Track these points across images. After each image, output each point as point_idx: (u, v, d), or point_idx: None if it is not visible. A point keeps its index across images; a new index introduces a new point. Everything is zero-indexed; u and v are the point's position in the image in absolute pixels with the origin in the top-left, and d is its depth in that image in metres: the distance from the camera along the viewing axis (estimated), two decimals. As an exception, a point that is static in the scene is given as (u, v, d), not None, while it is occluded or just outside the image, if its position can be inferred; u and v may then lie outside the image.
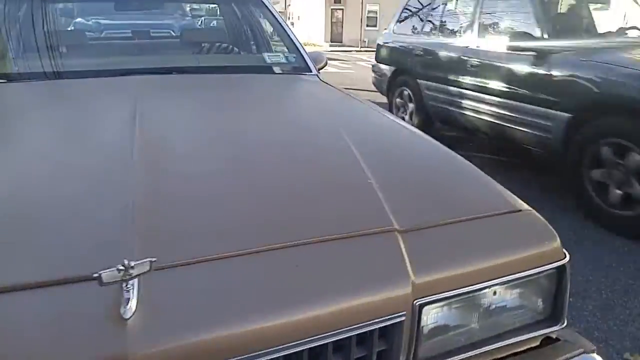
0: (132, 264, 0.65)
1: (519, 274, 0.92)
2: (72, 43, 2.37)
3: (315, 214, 0.94)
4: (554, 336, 1.03)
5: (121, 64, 2.07)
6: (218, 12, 3.18)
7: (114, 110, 1.48)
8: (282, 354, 0.71)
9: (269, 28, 2.54)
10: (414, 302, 0.82)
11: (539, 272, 0.95)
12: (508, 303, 0.96)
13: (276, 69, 2.20)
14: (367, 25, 26.66)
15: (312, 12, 29.26)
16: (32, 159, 1.11)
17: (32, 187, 0.95)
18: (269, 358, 0.70)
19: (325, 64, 2.53)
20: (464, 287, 0.87)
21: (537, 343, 1.01)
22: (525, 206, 1.06)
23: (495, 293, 0.93)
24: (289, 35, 2.35)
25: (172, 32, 3.69)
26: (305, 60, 2.28)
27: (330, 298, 0.75)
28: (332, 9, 28.38)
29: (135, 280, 0.67)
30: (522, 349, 0.99)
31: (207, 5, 3.36)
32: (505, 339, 0.95)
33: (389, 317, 0.79)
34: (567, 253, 1.00)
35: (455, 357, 0.90)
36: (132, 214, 0.82)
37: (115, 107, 1.52)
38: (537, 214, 1.04)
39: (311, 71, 2.24)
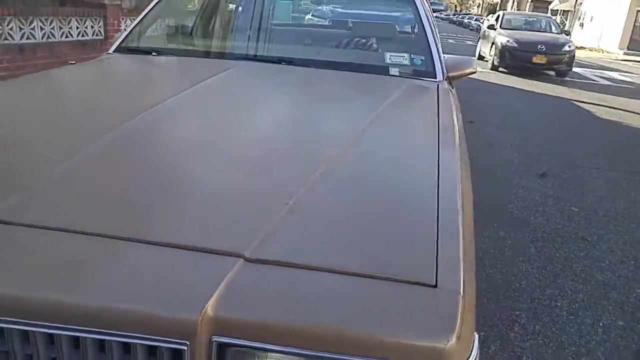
0: None
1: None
2: (260, 27, 2.69)
3: (186, 222, 0.96)
4: None
5: (252, 49, 2.35)
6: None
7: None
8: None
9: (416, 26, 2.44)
10: (212, 337, 0.77)
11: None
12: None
13: (393, 70, 2.14)
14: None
15: (610, 13, 25.48)
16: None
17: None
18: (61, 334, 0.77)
19: (472, 72, 2.32)
20: (297, 348, 0.77)
21: None
22: (448, 284, 0.83)
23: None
24: (426, 36, 2.23)
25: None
26: (433, 65, 2.14)
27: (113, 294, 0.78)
28: (637, 10, 24.14)
29: None
30: None
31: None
32: None
33: (167, 339, 0.77)
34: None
35: None
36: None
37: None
38: (455, 297, 0.81)
39: (435, 77, 2.10)
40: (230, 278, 0.81)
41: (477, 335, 0.83)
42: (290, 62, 2.14)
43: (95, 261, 0.85)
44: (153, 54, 2.30)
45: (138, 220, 0.96)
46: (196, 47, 2.64)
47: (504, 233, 2.91)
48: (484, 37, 13.30)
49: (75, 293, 0.79)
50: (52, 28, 5.23)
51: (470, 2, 77.33)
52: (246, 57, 2.23)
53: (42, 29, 5.09)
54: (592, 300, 2.26)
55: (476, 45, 14.38)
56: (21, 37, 4.88)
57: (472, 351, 0.79)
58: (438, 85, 2.03)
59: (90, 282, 0.81)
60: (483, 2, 64.22)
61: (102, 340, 0.78)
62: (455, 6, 75.49)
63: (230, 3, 3.00)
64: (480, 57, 12.87)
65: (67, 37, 5.40)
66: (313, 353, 0.76)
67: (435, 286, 0.82)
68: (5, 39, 4.70)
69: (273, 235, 0.91)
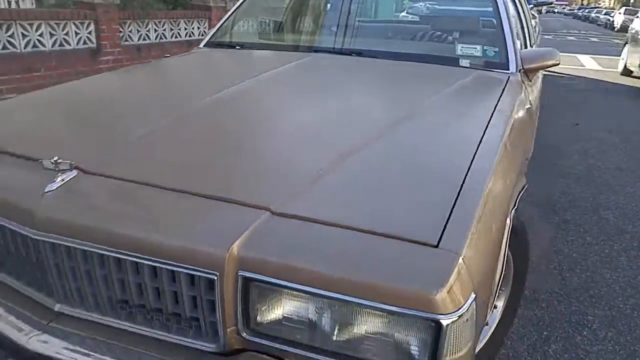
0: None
1: (372, 302, 0.87)
2: (339, 24, 2.91)
3: (228, 178, 1.17)
4: None
5: (329, 42, 2.52)
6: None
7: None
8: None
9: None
10: (238, 271, 0.94)
11: (402, 314, 0.86)
12: (366, 330, 0.92)
13: (464, 62, 2.18)
14: None
15: None
16: None
17: None
18: (127, 259, 1.00)
19: (555, 64, 2.28)
20: (307, 286, 0.91)
21: None
22: (449, 245, 0.92)
23: (341, 309, 0.92)
24: (502, 28, 2.25)
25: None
26: (506, 56, 2.16)
27: (156, 232, 0.99)
28: None
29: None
30: None
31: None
32: None
33: (202, 269, 0.95)
34: (457, 315, 0.85)
35: (294, 349, 0.97)
36: None
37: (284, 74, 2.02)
38: (452, 257, 0.89)
39: (508, 69, 2.12)
40: (256, 225, 0.98)
41: (474, 295, 0.90)
42: (359, 53, 2.28)
43: (152, 206, 1.07)
44: (236, 47, 2.57)
45: (193, 176, 1.17)
46: (274, 41, 2.89)
47: (591, 239, 2.79)
48: (634, 40, 8.74)
49: (136, 230, 1.00)
50: (164, 30, 5.85)
51: (601, -5, 71.26)
52: (320, 50, 2.42)
53: (155, 30, 5.73)
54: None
55: (621, 51, 9.90)
56: (138, 39, 5.53)
57: (462, 306, 0.87)
58: (509, 76, 2.05)
59: (148, 222, 1.03)
60: (616, -6, 58.95)
61: (154, 267, 0.99)
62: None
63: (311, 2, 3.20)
64: (628, 72, 9.06)
65: (176, 37, 6.02)
66: (321, 292, 0.90)
67: (437, 246, 0.92)
68: (126, 40, 5.37)
69: (299, 195, 1.07)
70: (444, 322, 0.85)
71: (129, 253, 0.99)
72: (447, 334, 0.86)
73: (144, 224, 1.03)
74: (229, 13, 2.75)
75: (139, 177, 1.15)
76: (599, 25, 34.71)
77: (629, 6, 31.88)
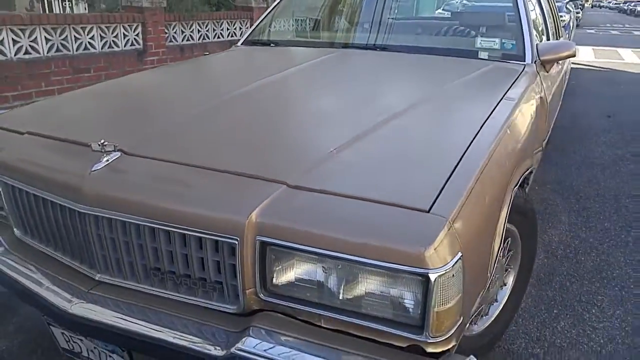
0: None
1: (371, 260, 0.98)
2: (373, 20, 2.97)
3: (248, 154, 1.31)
4: (429, 350, 1.00)
5: (358, 39, 2.63)
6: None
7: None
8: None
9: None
10: (256, 237, 1.06)
11: (396, 270, 0.96)
12: (367, 287, 1.03)
13: (483, 54, 2.24)
14: None
15: None
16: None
17: None
18: (161, 228, 1.13)
19: (571, 55, 2.31)
20: (316, 248, 1.02)
21: (402, 345, 1.03)
22: (440, 211, 1.01)
23: (345, 268, 1.02)
24: (520, 21, 2.28)
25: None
26: (523, 48, 2.20)
27: (186, 204, 1.12)
28: None
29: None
30: (382, 340, 1.04)
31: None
32: (357, 318, 1.04)
33: (224, 235, 1.07)
34: (444, 270, 0.94)
35: (305, 307, 1.08)
36: None
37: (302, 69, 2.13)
38: (441, 221, 0.99)
39: (524, 60, 2.16)
40: (274, 196, 1.10)
41: (460, 254, 0.99)
42: (385, 48, 2.37)
43: (183, 182, 1.20)
44: (271, 45, 2.70)
45: (219, 155, 1.31)
46: (308, 38, 3.00)
47: (609, 224, 2.78)
48: None
49: (169, 203, 1.14)
50: (207, 30, 6.07)
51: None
52: (350, 46, 2.54)
53: (199, 31, 5.95)
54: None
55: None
56: (182, 39, 5.76)
57: (448, 263, 0.96)
58: (525, 67, 2.09)
59: (180, 195, 1.16)
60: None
61: (184, 235, 1.12)
62: (627, -8, 66.75)
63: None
64: None
65: (218, 37, 6.22)
66: (327, 252, 1.02)
67: (428, 212, 1.01)
68: (170, 41, 5.61)
69: (312, 170, 1.18)
70: (432, 276, 0.94)
71: (162, 223, 1.12)
72: (434, 287, 0.95)
73: (175, 197, 1.16)
74: (265, 13, 2.88)
75: (173, 157, 1.28)
76: (644, 17, 33.16)
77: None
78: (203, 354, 1.08)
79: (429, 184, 1.11)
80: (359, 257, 0.98)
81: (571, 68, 7.24)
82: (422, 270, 0.94)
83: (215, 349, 1.08)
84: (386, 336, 1.03)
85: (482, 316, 1.69)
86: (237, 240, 1.07)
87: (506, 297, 1.78)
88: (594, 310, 2.01)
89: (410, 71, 2.14)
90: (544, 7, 2.90)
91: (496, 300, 1.74)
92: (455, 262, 0.98)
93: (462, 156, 1.22)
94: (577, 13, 12.93)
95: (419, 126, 1.48)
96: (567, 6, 6.82)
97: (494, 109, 1.54)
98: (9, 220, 1.44)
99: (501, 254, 1.59)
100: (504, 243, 1.59)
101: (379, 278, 1.01)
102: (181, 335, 1.11)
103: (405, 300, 1.01)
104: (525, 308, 2.00)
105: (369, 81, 1.97)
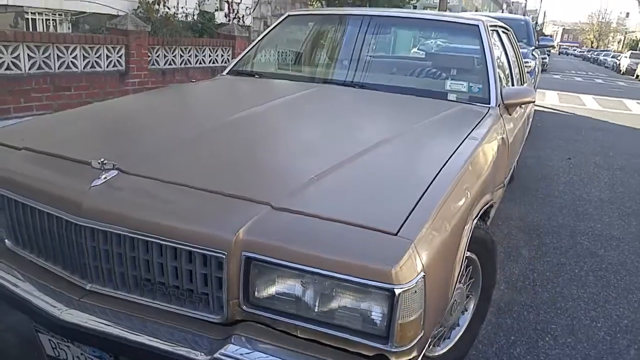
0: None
1: (344, 275, 1.11)
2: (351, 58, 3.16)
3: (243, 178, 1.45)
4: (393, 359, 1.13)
5: (338, 75, 2.83)
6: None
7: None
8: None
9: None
10: (242, 252, 1.18)
11: (366, 285, 1.10)
12: (340, 301, 1.16)
13: (451, 96, 2.45)
14: None
15: None
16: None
17: None
18: (154, 241, 1.24)
19: (531, 101, 2.55)
20: (295, 264, 1.15)
21: (370, 354, 1.15)
22: (406, 234, 1.15)
23: (321, 283, 1.15)
24: (486, 66, 2.51)
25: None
26: (488, 92, 2.41)
27: (180, 220, 1.24)
28: None
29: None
30: (352, 349, 1.16)
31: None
32: (330, 329, 1.16)
33: (213, 250, 1.19)
34: (408, 287, 1.08)
35: (284, 318, 1.20)
36: None
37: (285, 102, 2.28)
38: (407, 243, 1.13)
39: (489, 103, 2.37)
40: (259, 216, 1.23)
41: (423, 274, 1.13)
42: (362, 86, 2.56)
43: (177, 200, 1.32)
44: (255, 76, 2.86)
45: (209, 176, 1.43)
46: (288, 72, 3.19)
47: (565, 260, 2.98)
48: None
49: (163, 218, 1.25)
50: (190, 56, 6.21)
51: (610, 37, 71.88)
52: (329, 82, 2.71)
53: (181, 56, 6.09)
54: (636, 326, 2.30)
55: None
56: (164, 63, 5.89)
57: (412, 280, 1.11)
58: (489, 109, 2.30)
59: (174, 212, 1.28)
60: (625, 37, 59.42)
61: (175, 248, 1.23)
62: (592, 42, 70.66)
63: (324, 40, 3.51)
64: None
65: (200, 63, 6.38)
66: (305, 267, 1.14)
67: (396, 234, 1.16)
68: (152, 64, 5.72)
69: (294, 194, 1.32)
70: (397, 291, 1.08)
71: (155, 237, 1.23)
72: (399, 301, 1.08)
73: (169, 213, 1.28)
74: (250, 46, 3.05)
75: (167, 177, 1.40)
76: (606, 67, 35.10)
77: (636, 50, 32.37)
78: (189, 359, 1.17)
79: (398, 210, 1.26)
80: (333, 272, 1.11)
81: (538, 111, 7.63)
82: (388, 286, 1.08)
83: (200, 354, 1.18)
84: (356, 346, 1.15)
85: (444, 339, 1.83)
86: (224, 254, 1.18)
87: (467, 322, 1.92)
88: (547, 338, 2.17)
89: (385, 109, 2.33)
90: (509, 54, 3.16)
91: (458, 325, 1.88)
92: (418, 280, 1.12)
93: (428, 187, 1.38)
94: (544, 59, 13.66)
95: (392, 159, 1.64)
96: (533, 53, 7.27)
97: (459, 147, 1.72)
98: (0, 231, 1.52)
99: (463, 280, 1.75)
100: (465, 270, 1.75)
101: (351, 293, 1.14)
102: (167, 342, 1.21)
103: (373, 313, 1.13)
104: (485, 334, 2.15)
105: (347, 116, 2.14)
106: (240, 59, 3.02)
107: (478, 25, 2.67)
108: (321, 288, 1.16)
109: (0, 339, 1.88)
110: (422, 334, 1.18)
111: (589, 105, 11.18)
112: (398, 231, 1.16)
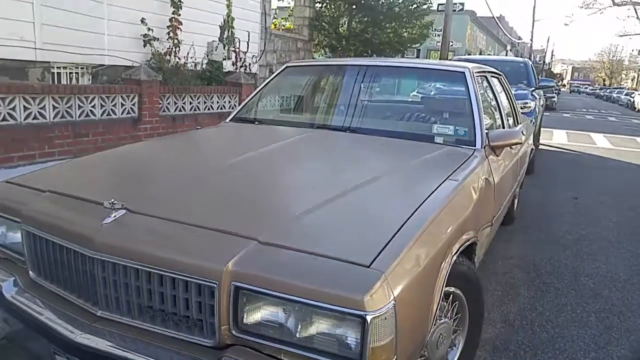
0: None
1: (321, 303, 1.26)
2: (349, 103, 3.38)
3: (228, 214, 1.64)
4: None
5: (331, 121, 3.04)
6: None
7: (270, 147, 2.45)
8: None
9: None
10: (232, 282, 1.34)
11: (341, 312, 1.25)
12: (318, 326, 1.31)
13: (438, 139, 2.63)
14: None
15: None
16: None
17: None
18: (155, 272, 1.41)
19: (518, 143, 2.70)
20: (278, 292, 1.31)
21: None
22: (378, 267, 1.31)
23: (301, 310, 1.30)
24: (472, 110, 2.69)
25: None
26: (474, 135, 2.58)
27: (177, 253, 1.41)
28: None
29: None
30: None
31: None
32: (311, 352, 1.31)
33: (206, 279, 1.35)
34: (378, 314, 1.23)
35: (269, 343, 1.35)
36: None
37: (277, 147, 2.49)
38: (378, 274, 1.28)
39: (475, 145, 2.53)
40: (247, 250, 1.40)
41: (393, 302, 1.28)
42: (354, 131, 2.76)
43: (176, 235, 1.50)
44: (256, 122, 3.10)
45: (205, 214, 1.62)
46: (286, 118, 3.44)
47: (566, 300, 3.03)
48: None
49: (164, 252, 1.43)
50: (199, 102, 6.55)
51: (623, 75, 72.44)
52: (324, 127, 2.93)
53: (190, 103, 6.43)
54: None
55: None
56: (175, 110, 6.22)
57: (382, 308, 1.25)
58: (474, 151, 2.46)
59: (173, 246, 1.45)
60: (638, 74, 59.82)
61: (174, 278, 1.40)
62: (604, 80, 71.24)
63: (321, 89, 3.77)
64: None
65: (208, 109, 6.71)
66: (287, 296, 1.30)
67: (369, 267, 1.31)
68: (164, 111, 6.05)
69: (279, 231, 1.49)
70: (368, 318, 1.22)
71: (157, 268, 1.42)
72: (370, 326, 1.22)
73: (169, 247, 1.46)
74: (251, 95, 3.31)
75: (168, 215, 1.60)
76: (620, 105, 35.25)
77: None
78: (184, 377, 1.33)
79: (373, 244, 1.42)
80: (311, 300, 1.27)
81: (545, 150, 7.74)
82: (360, 312, 1.23)
83: (194, 374, 1.33)
84: (333, 368, 1.29)
85: (434, 374, 1.92)
86: (216, 284, 1.35)
87: (457, 358, 2.02)
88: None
89: (375, 152, 2.53)
90: (499, 97, 3.35)
91: (447, 360, 1.98)
92: (388, 309, 1.26)
93: (404, 223, 1.54)
94: (552, 97, 13.90)
95: (373, 198, 1.82)
96: (533, 93, 7.48)
97: (438, 187, 1.88)
98: (26, 264, 1.73)
99: (449, 315, 1.87)
100: (451, 305, 1.86)
101: (328, 319, 1.29)
102: (167, 363, 1.37)
103: (349, 338, 1.28)
104: (480, 371, 2.22)
105: (337, 159, 2.34)
106: (242, 107, 3.26)
107: (464, 72, 2.89)
108: (301, 315, 1.31)
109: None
110: (394, 358, 1.31)
111: (600, 144, 11.22)
112: (371, 263, 1.32)
